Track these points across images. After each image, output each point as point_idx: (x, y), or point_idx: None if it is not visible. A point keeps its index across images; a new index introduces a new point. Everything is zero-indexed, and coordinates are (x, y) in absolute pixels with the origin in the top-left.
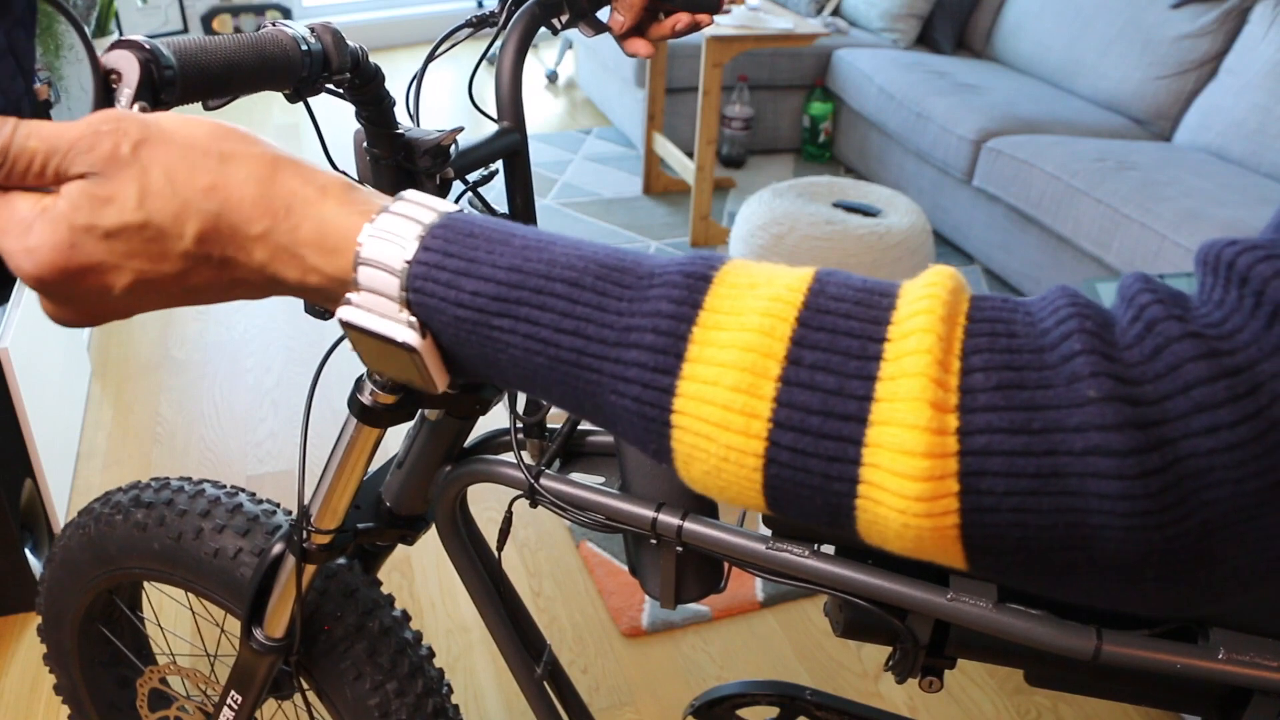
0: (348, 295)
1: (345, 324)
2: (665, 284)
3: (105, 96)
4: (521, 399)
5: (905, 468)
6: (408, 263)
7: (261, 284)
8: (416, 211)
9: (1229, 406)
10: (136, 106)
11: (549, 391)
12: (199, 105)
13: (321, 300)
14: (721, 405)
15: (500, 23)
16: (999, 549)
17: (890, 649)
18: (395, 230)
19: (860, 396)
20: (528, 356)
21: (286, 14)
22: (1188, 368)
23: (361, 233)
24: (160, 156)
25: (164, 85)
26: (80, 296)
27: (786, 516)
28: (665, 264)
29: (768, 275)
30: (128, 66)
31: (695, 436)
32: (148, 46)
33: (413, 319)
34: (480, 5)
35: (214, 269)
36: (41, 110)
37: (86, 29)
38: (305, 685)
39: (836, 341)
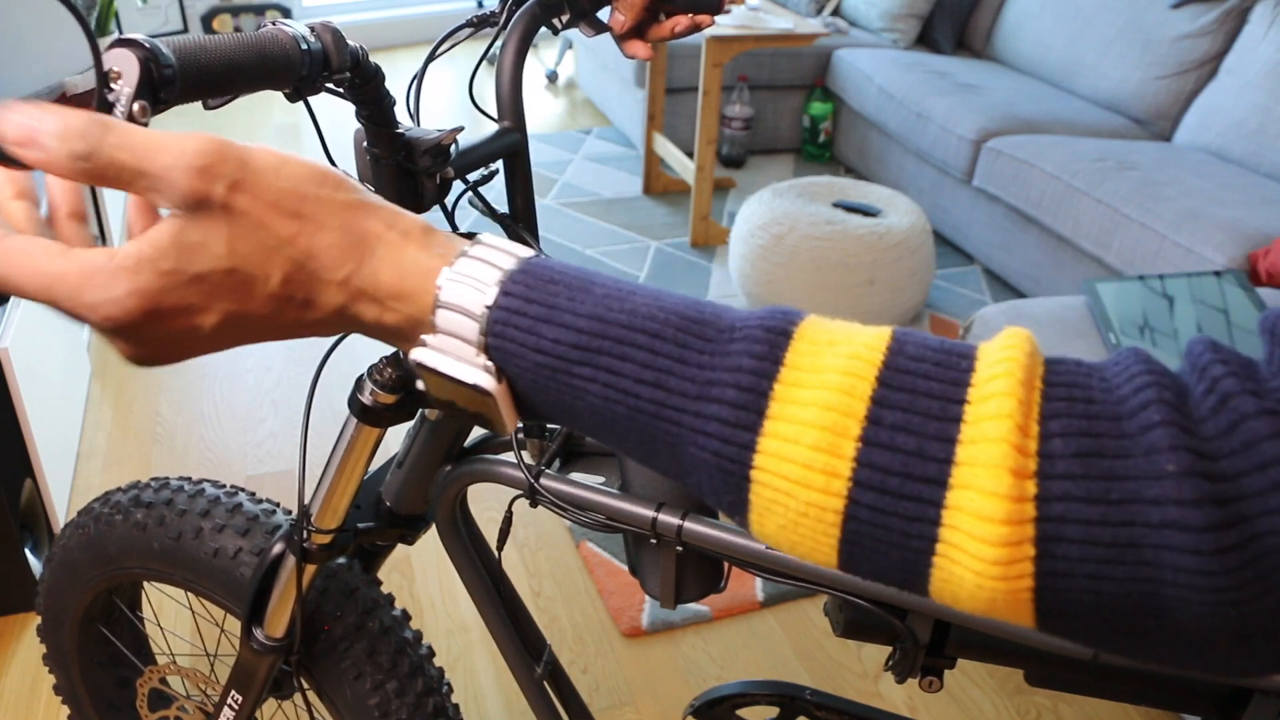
0: (423, 337)
1: (419, 365)
2: (746, 339)
3: (105, 95)
4: None
5: (984, 533)
6: (488, 308)
7: (343, 324)
8: (496, 256)
9: None
10: (136, 105)
11: (625, 440)
12: (199, 105)
13: (396, 340)
14: (802, 464)
15: (501, 22)
16: (1071, 614)
17: (890, 649)
18: (475, 275)
19: (940, 459)
20: (607, 405)
21: (286, 14)
22: (1264, 446)
23: (440, 276)
24: (253, 203)
25: (164, 84)
26: (165, 337)
27: (858, 573)
28: (745, 317)
29: (846, 333)
30: (127, 65)
31: (774, 492)
32: (147, 45)
33: (489, 363)
34: (480, 5)
35: (297, 309)
36: None
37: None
38: (305, 685)
39: (916, 402)
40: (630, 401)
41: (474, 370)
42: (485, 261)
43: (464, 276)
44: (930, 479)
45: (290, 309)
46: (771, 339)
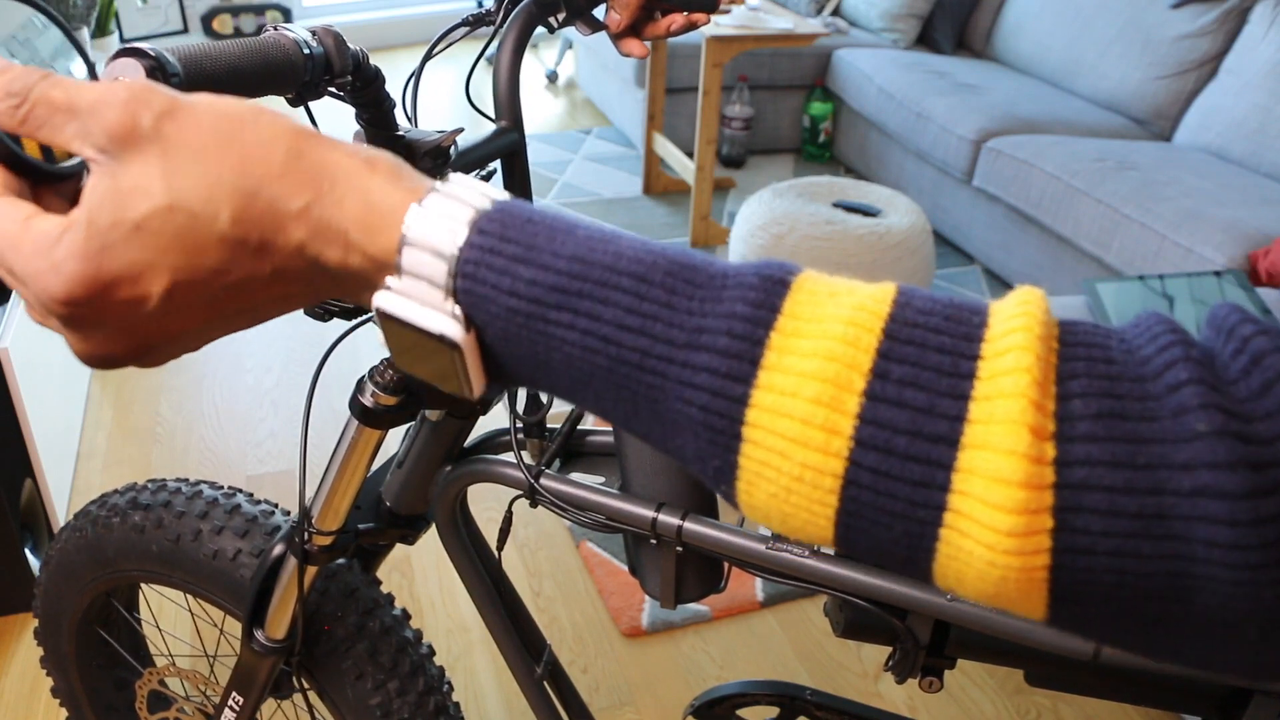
0: (387, 280)
1: (381, 313)
2: (740, 285)
3: None
4: (522, 396)
5: (999, 497)
6: (459, 248)
7: (303, 272)
8: (470, 195)
9: None
10: None
11: (602, 398)
12: None
13: (360, 291)
14: (801, 419)
15: (497, 21)
16: (1088, 597)
17: (890, 649)
18: (447, 212)
19: (953, 417)
20: (585, 356)
21: (286, 14)
22: None
23: (409, 212)
24: (186, 131)
25: None
26: (114, 316)
27: (855, 551)
28: (739, 265)
29: (847, 286)
30: (133, 74)
31: (767, 452)
32: (152, 54)
33: (457, 310)
34: (480, 4)
35: (252, 257)
36: None
37: (82, 42)
38: (305, 685)
39: (926, 356)
40: (611, 351)
41: (441, 317)
42: (459, 199)
43: (435, 213)
44: (941, 438)
45: (245, 257)
46: (768, 286)
